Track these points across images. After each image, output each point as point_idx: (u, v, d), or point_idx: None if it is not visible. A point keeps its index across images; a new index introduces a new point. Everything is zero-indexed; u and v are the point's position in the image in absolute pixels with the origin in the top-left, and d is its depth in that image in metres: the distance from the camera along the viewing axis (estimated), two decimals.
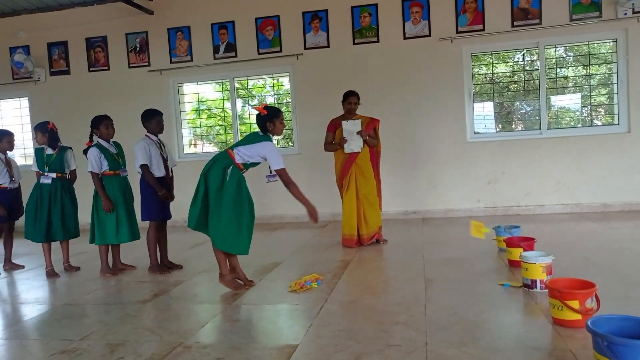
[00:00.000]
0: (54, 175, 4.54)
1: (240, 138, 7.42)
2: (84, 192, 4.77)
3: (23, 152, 8.22)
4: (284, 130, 4.30)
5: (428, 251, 4.62)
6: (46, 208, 4.52)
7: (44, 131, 4.55)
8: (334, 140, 5.04)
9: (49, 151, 4.56)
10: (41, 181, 4.53)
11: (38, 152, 4.58)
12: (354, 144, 4.90)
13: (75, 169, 4.74)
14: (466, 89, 6.62)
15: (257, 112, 3.65)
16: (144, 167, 4.30)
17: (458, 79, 6.59)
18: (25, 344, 2.92)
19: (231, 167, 3.55)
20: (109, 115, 4.52)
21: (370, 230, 4.98)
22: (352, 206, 4.95)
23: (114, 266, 4.57)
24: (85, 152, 4.39)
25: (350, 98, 4.97)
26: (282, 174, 3.55)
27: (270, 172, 3.69)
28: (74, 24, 7.53)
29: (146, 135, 4.43)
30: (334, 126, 5.05)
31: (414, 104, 6.69)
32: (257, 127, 3.69)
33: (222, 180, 3.53)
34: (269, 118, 3.60)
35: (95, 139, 4.47)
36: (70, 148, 4.73)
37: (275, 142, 3.71)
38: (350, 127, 4.90)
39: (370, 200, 4.98)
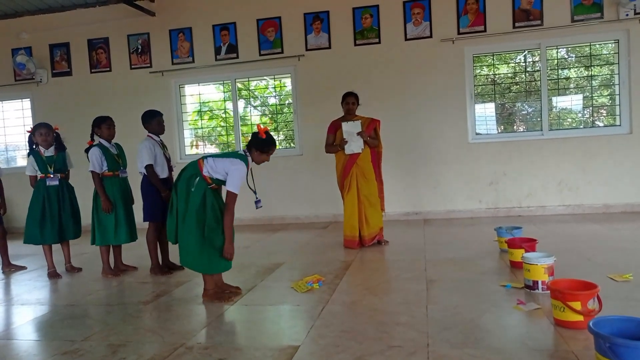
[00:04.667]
0: (59, 175, 4.54)
1: (241, 140, 7.44)
2: (84, 193, 4.77)
3: (25, 153, 8.22)
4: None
5: (430, 252, 4.62)
6: (56, 209, 4.51)
7: (51, 131, 4.53)
8: (334, 141, 5.05)
9: (48, 153, 4.52)
10: (48, 183, 4.48)
11: (36, 155, 4.49)
12: (354, 145, 4.90)
13: (69, 169, 4.72)
14: (468, 90, 6.62)
15: (256, 131, 3.40)
16: (149, 168, 4.30)
17: (459, 80, 6.59)
18: (27, 344, 2.92)
19: (197, 178, 3.36)
20: (111, 117, 4.53)
21: (371, 231, 4.98)
22: (354, 207, 4.95)
23: (115, 267, 4.58)
24: (86, 151, 4.40)
25: (348, 98, 4.98)
26: (230, 196, 3.29)
27: (257, 198, 3.56)
28: (76, 25, 7.56)
29: (148, 136, 4.44)
30: (335, 127, 5.05)
31: (416, 105, 6.69)
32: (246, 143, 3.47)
33: (188, 191, 3.36)
34: (262, 144, 3.36)
35: (97, 138, 4.48)
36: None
37: (249, 166, 3.41)
38: (350, 128, 4.90)
39: (371, 201, 4.98)
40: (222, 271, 3.52)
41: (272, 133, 3.50)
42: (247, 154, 3.42)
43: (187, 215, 3.36)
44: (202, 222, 3.34)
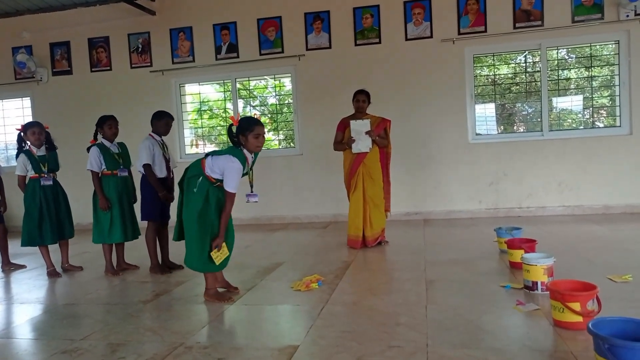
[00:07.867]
0: (51, 175, 4.53)
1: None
2: (85, 192, 4.77)
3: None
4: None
5: (430, 252, 4.62)
6: (53, 209, 4.51)
7: (43, 130, 4.51)
8: (343, 139, 5.00)
9: (39, 152, 4.49)
10: (43, 183, 4.46)
11: (29, 155, 4.45)
12: (361, 144, 4.84)
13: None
14: (468, 91, 6.62)
15: (229, 123, 3.32)
16: (147, 167, 4.30)
17: (460, 80, 6.59)
18: (26, 343, 2.93)
19: (200, 178, 3.30)
20: (115, 116, 4.53)
21: (374, 232, 4.96)
22: (359, 207, 4.92)
23: (117, 265, 4.59)
24: (88, 149, 4.41)
25: (359, 96, 4.93)
26: (227, 195, 3.25)
27: (251, 192, 3.50)
28: (76, 24, 7.55)
29: (150, 135, 4.44)
30: (344, 125, 5.00)
31: (416, 105, 6.69)
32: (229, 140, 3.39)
33: (189, 191, 3.33)
34: (240, 130, 3.27)
35: (99, 138, 4.49)
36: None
37: (248, 161, 3.35)
38: (359, 127, 4.85)
39: (375, 202, 4.95)
40: (219, 270, 3.49)
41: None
42: (241, 147, 3.34)
43: (188, 216, 3.35)
44: (205, 222, 3.31)
